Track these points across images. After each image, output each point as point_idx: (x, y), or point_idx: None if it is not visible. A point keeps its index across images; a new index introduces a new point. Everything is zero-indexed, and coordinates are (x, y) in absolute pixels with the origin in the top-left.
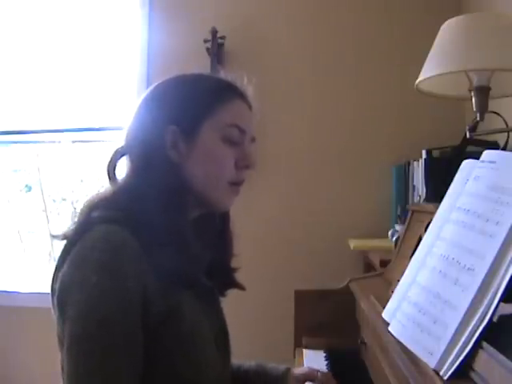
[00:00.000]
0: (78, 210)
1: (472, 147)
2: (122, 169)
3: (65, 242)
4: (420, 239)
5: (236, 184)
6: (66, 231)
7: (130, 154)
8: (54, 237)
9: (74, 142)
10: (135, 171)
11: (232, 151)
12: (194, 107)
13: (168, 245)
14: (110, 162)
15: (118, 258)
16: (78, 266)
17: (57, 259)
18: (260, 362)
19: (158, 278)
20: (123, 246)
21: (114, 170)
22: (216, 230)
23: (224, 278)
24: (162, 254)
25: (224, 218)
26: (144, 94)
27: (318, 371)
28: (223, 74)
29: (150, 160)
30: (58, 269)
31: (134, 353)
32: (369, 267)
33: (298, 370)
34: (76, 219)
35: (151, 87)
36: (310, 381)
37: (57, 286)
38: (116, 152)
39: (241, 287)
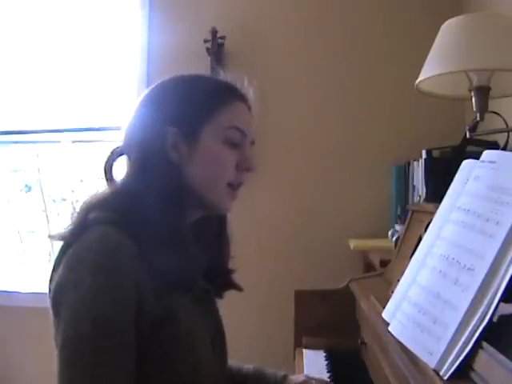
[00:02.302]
0: (76, 211)
1: (472, 147)
2: (120, 169)
3: (62, 242)
4: (420, 239)
5: (235, 187)
6: (63, 232)
7: (129, 154)
8: (51, 237)
9: (74, 142)
10: (134, 172)
11: (233, 153)
12: (194, 109)
13: (166, 247)
14: (107, 162)
15: (113, 259)
16: (73, 267)
17: (54, 260)
18: (258, 367)
19: (154, 280)
20: (119, 247)
21: (111, 170)
22: (213, 233)
23: (221, 280)
24: (160, 256)
25: (221, 220)
26: (143, 93)
27: (313, 379)
28: (223, 76)
29: (149, 161)
30: (54, 269)
31: (127, 352)
32: (369, 267)
33: (295, 379)
34: (73, 220)
35: (151, 87)
36: None
37: (52, 287)
38: (113, 152)
39: (238, 288)
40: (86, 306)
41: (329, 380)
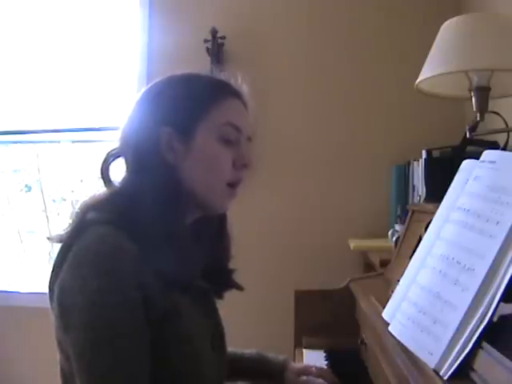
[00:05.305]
0: (73, 212)
1: (472, 147)
2: (118, 170)
3: (61, 244)
4: (420, 239)
5: (234, 185)
6: (62, 234)
7: (126, 155)
8: (49, 240)
9: (73, 142)
10: (131, 172)
11: (229, 151)
12: (188, 108)
13: (162, 247)
14: (104, 163)
15: (113, 259)
16: (75, 271)
17: (53, 261)
18: (260, 351)
19: (154, 280)
20: (118, 247)
21: (108, 172)
22: (214, 232)
23: (222, 280)
24: (157, 257)
25: (221, 219)
26: (138, 94)
27: (314, 367)
28: (217, 73)
29: (146, 161)
30: (54, 271)
31: (144, 350)
32: (369, 267)
33: (295, 364)
34: (71, 221)
35: (145, 88)
36: (306, 375)
37: (56, 292)
38: (108, 154)
39: (239, 287)
40: (97, 311)
41: (328, 367)
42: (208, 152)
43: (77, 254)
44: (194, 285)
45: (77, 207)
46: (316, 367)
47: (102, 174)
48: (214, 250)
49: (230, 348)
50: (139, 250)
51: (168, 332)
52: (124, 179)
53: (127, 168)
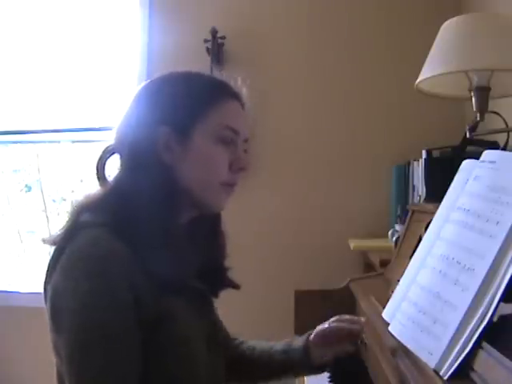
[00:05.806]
0: (67, 213)
1: (472, 147)
2: (113, 168)
3: (54, 246)
4: (420, 239)
5: (230, 185)
6: (55, 236)
7: (121, 153)
8: (44, 242)
9: (73, 142)
10: (126, 171)
11: (226, 153)
12: (187, 106)
13: (157, 248)
14: (99, 160)
15: (105, 261)
16: (67, 272)
17: (47, 263)
18: (287, 342)
19: (148, 281)
20: (110, 249)
21: (104, 169)
22: (208, 231)
23: (218, 279)
24: (151, 259)
25: (215, 217)
26: (135, 91)
27: (327, 324)
28: (217, 74)
29: (142, 161)
30: (49, 271)
31: (135, 351)
32: (369, 267)
33: (312, 337)
34: (64, 223)
35: (143, 84)
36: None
37: (49, 293)
38: (105, 151)
39: (235, 286)
40: (88, 312)
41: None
42: (205, 153)
43: (70, 257)
44: (189, 286)
45: (71, 208)
46: (330, 325)
47: (97, 171)
48: (209, 248)
49: (257, 342)
50: (132, 252)
51: (163, 336)
52: (118, 177)
53: (121, 166)
